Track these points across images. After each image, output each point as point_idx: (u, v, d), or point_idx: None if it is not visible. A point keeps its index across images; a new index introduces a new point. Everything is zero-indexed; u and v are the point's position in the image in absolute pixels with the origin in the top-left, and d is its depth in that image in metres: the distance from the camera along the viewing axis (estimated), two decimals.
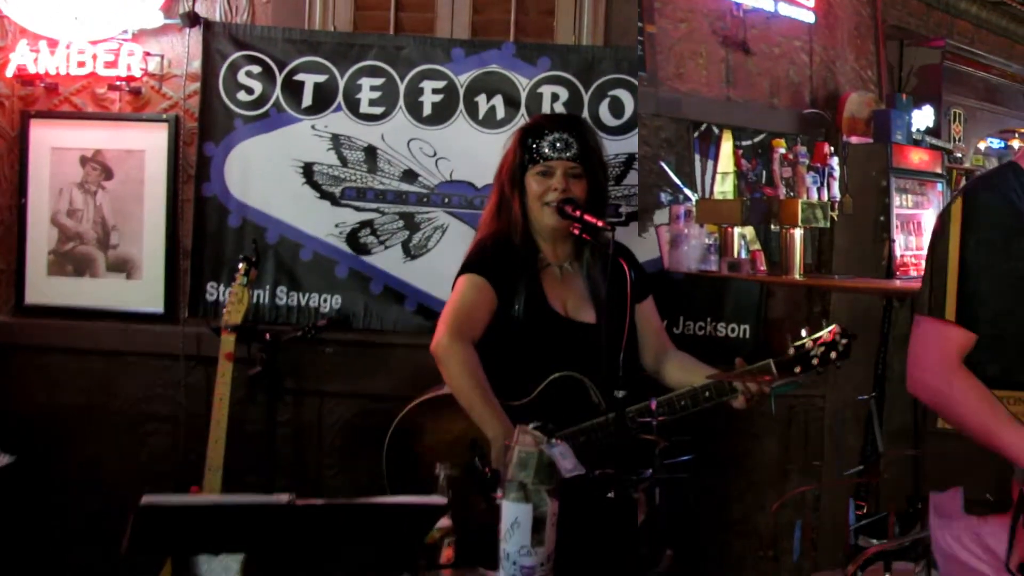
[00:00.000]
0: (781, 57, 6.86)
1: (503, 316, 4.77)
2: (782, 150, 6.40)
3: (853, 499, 4.99)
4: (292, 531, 3.08)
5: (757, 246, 6.31)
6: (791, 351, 4.56)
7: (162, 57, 6.15)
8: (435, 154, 5.98)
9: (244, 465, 5.69)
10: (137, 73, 6.07)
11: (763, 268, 6.29)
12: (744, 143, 6.35)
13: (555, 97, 5.95)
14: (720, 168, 6.57)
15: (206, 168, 6.07)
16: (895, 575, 4.38)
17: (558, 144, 4.81)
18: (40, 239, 6.22)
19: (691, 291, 5.93)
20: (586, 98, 5.93)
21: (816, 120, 7.05)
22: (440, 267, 5.66)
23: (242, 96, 6.04)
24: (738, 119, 6.00)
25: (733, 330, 5.89)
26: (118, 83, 6.08)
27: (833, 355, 4.54)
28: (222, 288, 6.02)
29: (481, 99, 5.97)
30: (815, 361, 4.53)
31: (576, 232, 4.67)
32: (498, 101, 5.96)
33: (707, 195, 6.21)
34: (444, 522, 3.57)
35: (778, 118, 6.72)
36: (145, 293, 6.18)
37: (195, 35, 6.09)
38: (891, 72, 8.13)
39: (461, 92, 5.97)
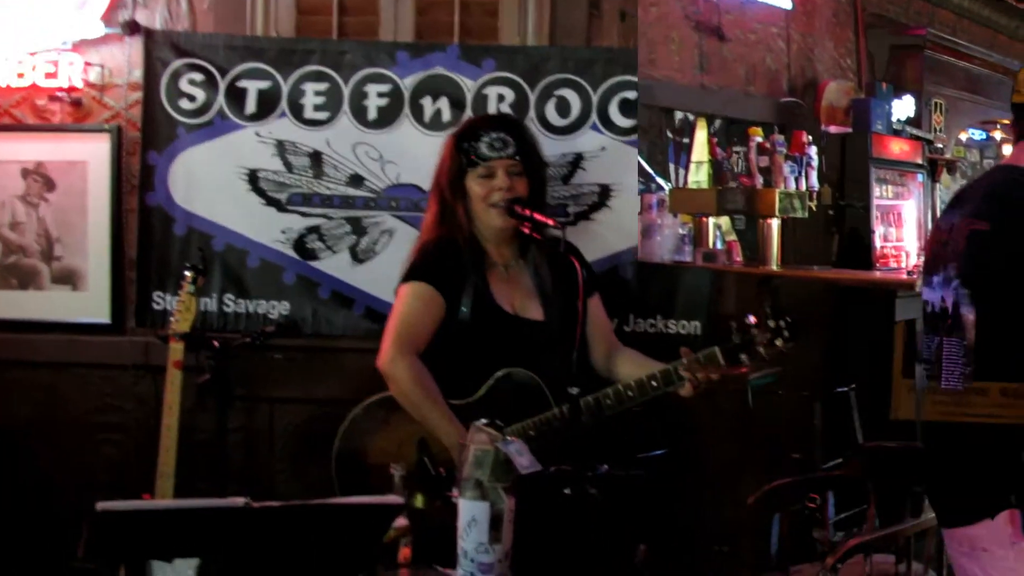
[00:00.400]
0: (757, 44, 6.87)
1: (451, 318, 4.78)
2: (759, 139, 6.39)
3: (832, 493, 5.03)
4: (248, 534, 3.06)
5: (733, 236, 6.31)
6: (735, 339, 4.57)
7: (103, 67, 6.13)
8: (381, 158, 5.95)
9: (195, 472, 5.64)
10: (78, 84, 6.06)
11: (739, 259, 6.29)
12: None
13: (501, 98, 5.93)
14: (694, 157, 6.58)
15: (150, 177, 6.02)
16: (875, 568, 4.39)
17: (496, 144, 4.82)
18: None
19: (641, 288, 5.92)
20: (532, 99, 5.92)
21: (794, 108, 7.07)
22: (388, 271, 5.62)
23: (185, 104, 6.00)
24: (712, 106, 6.00)
25: (684, 327, 5.88)
26: (59, 94, 6.07)
27: (779, 342, 4.54)
28: (169, 297, 5.97)
29: (427, 102, 5.95)
30: (761, 348, 4.55)
31: (527, 231, 4.68)
32: (444, 103, 5.94)
33: (681, 184, 6.23)
34: (401, 521, 3.55)
35: (754, 106, 6.73)
36: (91, 304, 6.15)
37: (136, 44, 6.06)
38: (871, 60, 8.15)
39: (406, 95, 5.95)
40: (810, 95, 7.57)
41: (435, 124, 5.90)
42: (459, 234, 4.86)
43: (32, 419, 6.22)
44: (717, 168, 6.63)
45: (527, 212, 4.68)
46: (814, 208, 6.88)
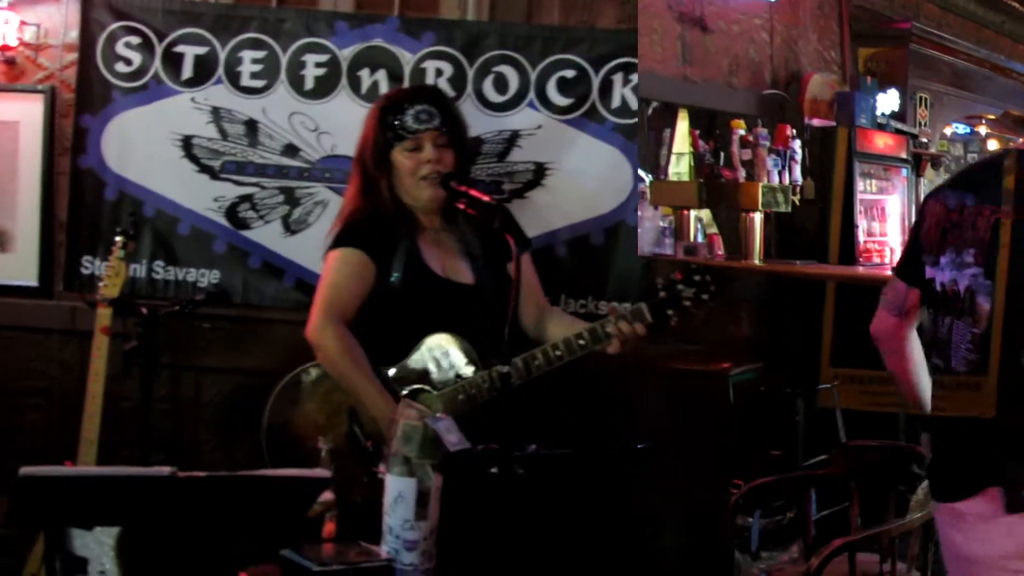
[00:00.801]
0: (740, 35, 6.85)
1: (382, 283, 4.78)
2: (741, 131, 6.38)
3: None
4: (174, 504, 3.06)
5: (714, 229, 6.30)
6: (662, 293, 4.60)
7: (39, 26, 6.06)
8: (317, 128, 5.93)
9: (119, 440, 5.64)
10: (12, 43, 5.98)
11: (721, 252, 6.29)
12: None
13: (439, 72, 5.91)
14: (675, 148, 6.57)
15: (83, 140, 5.98)
16: (860, 567, 4.41)
17: (422, 116, 4.82)
18: None
19: (572, 268, 5.91)
20: (470, 74, 5.90)
21: (777, 101, 7.06)
22: (320, 242, 5.55)
23: (120, 67, 5.95)
24: (695, 98, 5.99)
25: (616, 307, 5.90)
26: None
27: (704, 295, 4.57)
28: (98, 262, 5.93)
29: (364, 74, 5.92)
30: (687, 302, 4.57)
31: (462, 207, 4.67)
32: (381, 76, 5.91)
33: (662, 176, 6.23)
34: (327, 495, 3.55)
35: (737, 98, 6.71)
36: (19, 266, 6.09)
37: (73, 5, 6.01)
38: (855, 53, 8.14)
39: (344, 66, 5.92)
40: (794, 88, 7.56)
41: (372, 96, 5.83)
42: (385, 205, 4.86)
43: None
44: (698, 160, 6.62)
45: (463, 188, 4.67)
46: (797, 202, 6.89)
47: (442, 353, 4.73)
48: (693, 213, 6.02)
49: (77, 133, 5.99)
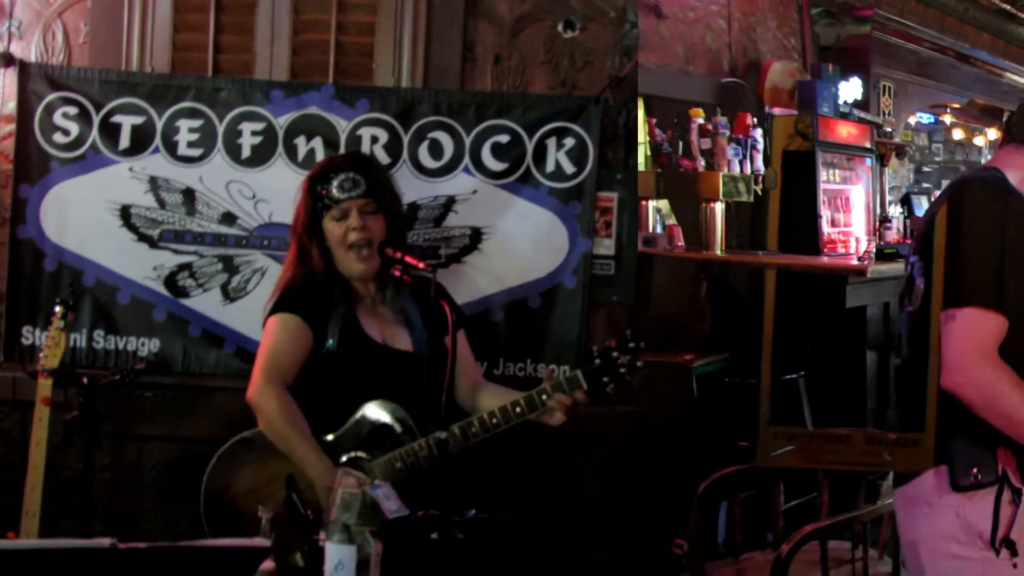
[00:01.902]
0: (696, 22, 6.83)
1: (319, 349, 4.82)
2: (700, 120, 6.34)
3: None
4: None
5: (673, 220, 6.29)
6: (597, 361, 4.66)
7: None
8: (254, 196, 5.97)
9: (61, 511, 5.60)
10: None
11: (680, 243, 6.26)
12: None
13: (375, 139, 5.96)
14: None
15: (22, 210, 5.99)
16: (831, 554, 4.40)
17: (346, 184, 4.89)
18: None
19: (510, 332, 5.96)
20: (405, 140, 5.96)
21: (736, 90, 7.04)
22: (260, 309, 5.58)
23: (58, 138, 5.98)
24: (650, 86, 6.00)
25: (553, 371, 5.93)
26: None
27: (640, 363, 4.65)
28: (38, 332, 5.95)
29: (300, 141, 5.97)
30: (623, 370, 4.64)
31: (397, 274, 4.74)
32: (317, 143, 5.96)
33: None
34: (267, 564, 3.57)
35: (694, 86, 6.68)
36: None
37: (10, 76, 6.03)
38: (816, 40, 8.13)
39: (280, 134, 5.97)
40: (753, 76, 7.50)
41: (309, 163, 5.86)
42: (320, 273, 4.92)
43: None
44: (655, 150, 6.57)
45: (398, 255, 4.74)
46: (759, 192, 6.85)
47: (379, 421, 4.77)
48: (652, 204, 6.01)
49: (16, 204, 6.00)
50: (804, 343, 6.41)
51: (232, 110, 5.98)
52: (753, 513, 5.29)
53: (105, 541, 2.99)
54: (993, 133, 11.94)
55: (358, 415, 4.77)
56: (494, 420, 4.71)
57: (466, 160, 5.93)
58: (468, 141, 5.93)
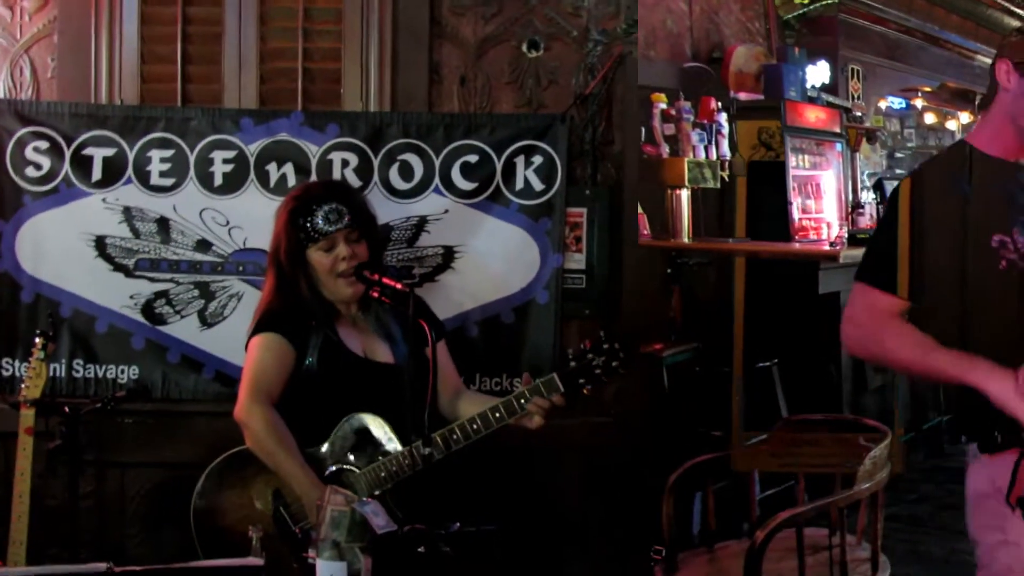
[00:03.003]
0: (656, 6, 6.77)
1: (301, 365, 4.90)
2: (662, 105, 6.28)
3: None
4: None
5: (639, 209, 6.26)
6: (572, 364, 4.75)
7: None
8: (228, 223, 6.02)
9: (46, 539, 5.68)
10: None
11: (646, 232, 6.23)
12: None
13: (345, 163, 6.03)
14: None
15: None
16: (806, 541, 4.39)
17: (331, 216, 4.96)
18: None
19: (485, 347, 6.03)
20: (376, 163, 6.02)
21: (699, 74, 7.01)
22: (237, 334, 5.67)
23: (31, 172, 6.03)
24: None
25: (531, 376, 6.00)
26: None
27: (615, 363, 4.73)
28: (17, 363, 6.00)
29: (272, 167, 6.03)
30: (598, 371, 4.73)
31: (375, 295, 4.82)
32: (289, 169, 6.02)
33: None
34: None
35: (655, 71, 6.63)
36: None
37: None
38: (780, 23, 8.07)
39: (252, 161, 6.03)
40: (716, 60, 7.46)
41: (281, 189, 5.95)
42: (303, 299, 4.99)
43: None
44: None
45: (375, 277, 4.82)
46: (726, 178, 6.82)
47: (363, 432, 4.85)
48: None
49: None
50: (777, 330, 6.41)
51: (203, 139, 6.04)
52: (728, 503, 5.32)
53: (101, 566, 3.07)
54: (966, 117, 11.92)
55: (343, 427, 4.86)
56: (475, 426, 4.80)
57: (436, 180, 5.99)
58: (438, 162, 6.00)
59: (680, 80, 6.95)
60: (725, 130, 6.74)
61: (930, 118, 11.94)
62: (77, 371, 6.03)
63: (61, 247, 6.06)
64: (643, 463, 5.86)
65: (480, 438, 4.84)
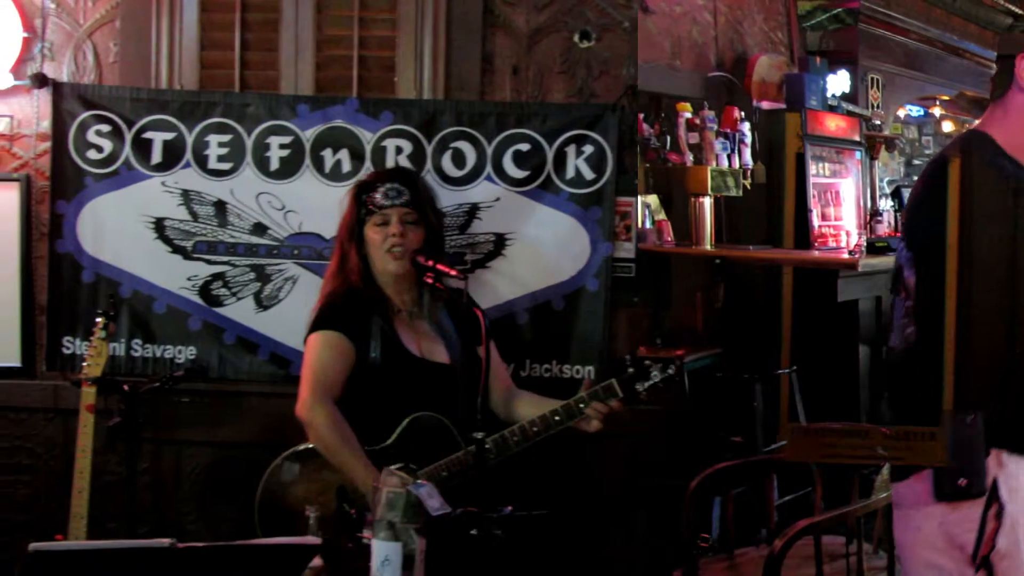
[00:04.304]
0: (683, 16, 6.79)
1: (361, 363, 4.96)
2: (687, 114, 6.31)
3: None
4: (174, 574, 3.22)
5: (662, 215, 6.30)
6: (630, 370, 4.82)
7: (11, 117, 6.26)
8: (284, 207, 6.12)
9: (105, 513, 5.80)
10: None
11: (670, 238, 6.28)
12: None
13: (399, 150, 6.11)
14: None
15: (59, 226, 6.16)
16: (825, 549, 4.40)
17: (391, 193, 5.03)
18: None
19: (535, 334, 6.10)
20: (429, 150, 6.10)
21: (723, 84, 7.02)
22: (291, 316, 5.81)
23: (92, 155, 6.14)
24: (638, 82, 6.07)
25: (578, 372, 6.04)
26: None
27: (671, 370, 4.80)
28: (78, 342, 6.12)
29: (327, 153, 6.11)
30: (655, 376, 4.80)
31: (429, 281, 4.90)
32: (343, 155, 6.11)
33: None
34: (316, 561, 3.72)
35: (681, 81, 6.65)
36: (1, 348, 6.25)
37: (44, 96, 6.20)
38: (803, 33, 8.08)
39: (307, 147, 6.12)
40: (740, 70, 7.48)
41: (335, 175, 6.07)
42: (358, 280, 5.06)
43: None
44: (643, 145, 6.61)
45: (430, 263, 4.90)
46: (748, 186, 6.84)
47: (424, 431, 4.92)
48: (640, 199, 6.06)
49: (53, 219, 6.17)
50: (797, 337, 6.42)
51: (260, 124, 6.14)
52: (746, 508, 5.34)
53: (164, 541, 3.16)
54: None
55: (403, 426, 4.91)
56: (535, 428, 4.87)
57: (488, 168, 6.08)
58: (490, 150, 6.08)
59: (704, 89, 6.96)
60: (748, 139, 6.76)
61: (948, 126, 11.97)
62: (136, 351, 6.16)
63: (121, 229, 6.17)
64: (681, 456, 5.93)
65: (537, 440, 4.92)
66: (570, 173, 6.08)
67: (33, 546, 3.03)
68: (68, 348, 6.17)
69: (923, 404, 3.54)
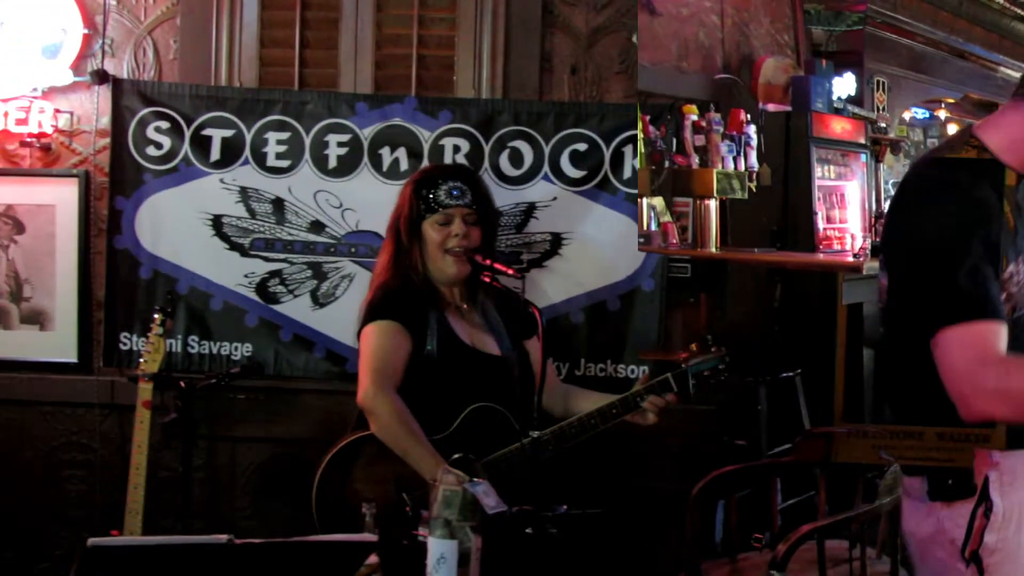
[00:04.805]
0: (689, 18, 6.76)
1: (417, 355, 4.95)
2: (694, 117, 6.31)
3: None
4: (231, 571, 3.23)
5: (668, 218, 6.29)
6: (683, 365, 4.82)
7: (72, 114, 6.28)
8: (341, 205, 6.14)
9: (159, 509, 5.86)
10: (48, 130, 6.19)
11: (675, 241, 6.28)
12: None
13: (456, 149, 6.12)
14: None
15: (117, 221, 6.19)
16: (828, 553, 4.28)
17: (455, 192, 5.01)
18: None
19: (591, 333, 6.10)
20: (486, 149, 6.12)
21: (729, 86, 7.00)
22: (348, 314, 5.79)
23: (151, 151, 6.17)
24: (644, 83, 6.06)
25: (632, 371, 6.04)
26: (29, 139, 6.19)
27: (721, 365, 4.80)
28: (135, 338, 6.15)
29: (385, 151, 6.13)
30: (707, 372, 4.80)
31: (487, 280, 4.89)
32: (402, 153, 6.13)
33: None
34: (372, 559, 3.72)
35: (688, 83, 6.65)
36: (59, 344, 6.29)
37: (104, 92, 6.22)
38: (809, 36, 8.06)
39: (365, 145, 6.13)
40: (746, 72, 7.48)
41: (393, 173, 6.09)
42: (414, 275, 5.05)
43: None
44: (649, 147, 6.61)
45: (487, 262, 4.89)
46: (754, 189, 6.84)
47: (483, 422, 4.91)
48: (645, 201, 6.04)
49: (111, 215, 6.19)
50: (800, 340, 6.37)
51: (318, 122, 6.15)
52: (750, 512, 5.32)
53: (222, 537, 3.16)
54: None
55: (463, 416, 4.90)
56: (592, 421, 4.86)
57: (546, 168, 6.08)
58: (547, 149, 6.09)
59: (711, 91, 6.93)
60: (754, 141, 6.73)
61: (953, 128, 11.87)
62: (192, 347, 6.18)
63: (179, 225, 6.20)
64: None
65: (594, 433, 4.91)
66: (627, 173, 6.09)
67: (91, 541, 3.03)
68: (125, 344, 6.19)
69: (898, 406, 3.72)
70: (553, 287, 6.09)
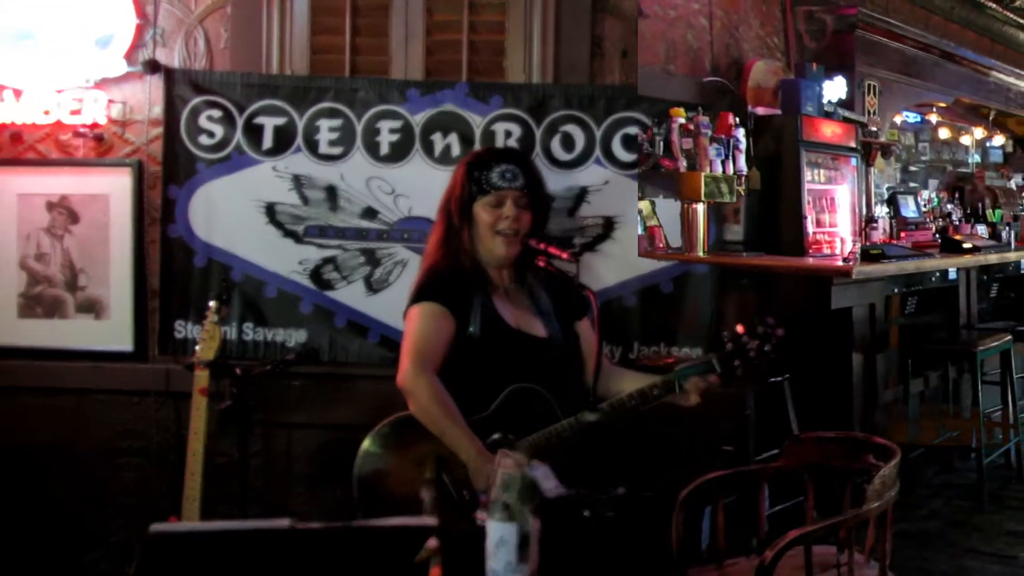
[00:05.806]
0: (677, 20, 6.76)
1: (461, 335, 4.96)
2: (681, 119, 6.34)
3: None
4: (293, 555, 3.24)
5: (655, 222, 6.30)
6: (729, 346, 4.79)
7: (124, 104, 6.33)
8: (393, 191, 6.16)
9: (216, 495, 5.84)
10: (101, 120, 6.26)
11: (662, 244, 6.30)
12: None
13: (508, 134, 6.14)
14: None
15: (171, 210, 6.23)
16: (815, 559, 4.32)
17: (507, 174, 4.99)
18: (9, 283, 6.38)
19: (643, 316, 6.10)
20: (538, 134, 6.14)
21: (718, 89, 6.98)
22: (401, 300, 5.70)
23: (204, 140, 6.21)
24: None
25: (686, 354, 6.06)
26: (82, 130, 6.25)
27: (767, 347, 4.77)
28: (190, 326, 6.20)
29: (437, 137, 6.16)
30: (752, 353, 4.77)
31: (542, 264, 4.89)
32: (453, 139, 6.15)
33: None
34: (431, 543, 3.73)
35: (675, 86, 6.65)
36: (114, 332, 6.34)
37: (156, 82, 6.26)
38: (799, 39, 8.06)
39: (417, 131, 6.16)
40: (735, 75, 7.48)
41: (445, 159, 6.11)
42: (463, 257, 5.05)
43: (56, 443, 6.38)
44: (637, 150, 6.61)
45: (542, 246, 4.89)
46: (742, 192, 6.83)
47: (524, 402, 4.91)
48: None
49: (165, 203, 6.24)
50: (789, 345, 6.36)
51: (370, 109, 6.18)
52: (737, 518, 5.31)
53: (284, 522, 3.17)
54: (979, 132, 12.00)
55: (502, 397, 4.89)
56: (633, 401, 4.83)
57: (597, 152, 6.10)
58: (599, 133, 6.11)
59: (699, 94, 6.91)
60: (743, 145, 6.71)
61: (944, 133, 11.91)
62: (247, 334, 6.22)
63: (232, 213, 6.24)
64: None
65: (636, 413, 4.89)
66: None
67: (154, 528, 3.04)
68: (180, 332, 6.24)
69: None
70: (606, 270, 6.10)
